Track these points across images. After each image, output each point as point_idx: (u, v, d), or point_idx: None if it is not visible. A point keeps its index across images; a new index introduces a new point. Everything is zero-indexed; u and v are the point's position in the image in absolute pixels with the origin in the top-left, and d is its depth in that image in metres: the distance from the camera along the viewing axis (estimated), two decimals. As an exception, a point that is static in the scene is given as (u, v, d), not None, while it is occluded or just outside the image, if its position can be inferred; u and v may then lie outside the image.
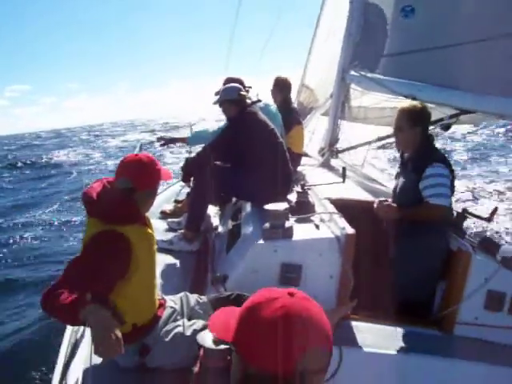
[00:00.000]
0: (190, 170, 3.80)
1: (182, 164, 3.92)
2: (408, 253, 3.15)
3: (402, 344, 2.80)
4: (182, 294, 2.72)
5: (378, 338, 2.82)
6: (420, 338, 2.91)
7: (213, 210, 4.65)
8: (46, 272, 7.88)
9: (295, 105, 5.92)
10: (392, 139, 4.84)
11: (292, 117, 4.95)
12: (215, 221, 4.52)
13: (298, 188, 3.44)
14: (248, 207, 3.72)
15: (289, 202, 3.29)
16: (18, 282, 7.49)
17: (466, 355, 2.82)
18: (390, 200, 3.23)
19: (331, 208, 3.32)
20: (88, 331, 2.56)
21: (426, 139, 3.20)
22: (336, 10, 6.15)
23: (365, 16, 4.79)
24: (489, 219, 3.46)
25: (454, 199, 3.25)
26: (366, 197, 3.85)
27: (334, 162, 5.65)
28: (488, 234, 7.90)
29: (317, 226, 3.03)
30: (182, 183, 5.00)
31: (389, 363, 2.69)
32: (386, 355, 2.68)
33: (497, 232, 8.83)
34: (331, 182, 3.87)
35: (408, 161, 3.26)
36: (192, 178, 3.86)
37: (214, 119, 4.80)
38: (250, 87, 4.08)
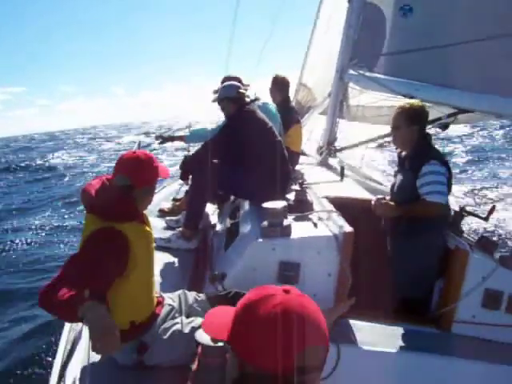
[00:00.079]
0: (188, 167, 3.81)
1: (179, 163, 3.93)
2: (405, 251, 3.16)
3: (399, 342, 2.80)
4: (180, 291, 2.72)
5: (376, 335, 2.82)
6: (418, 336, 2.91)
7: (211, 209, 4.65)
8: (37, 278, 7.74)
9: (293, 104, 5.91)
10: (390, 138, 4.85)
11: (291, 116, 4.95)
12: (213, 219, 4.53)
13: (296, 186, 3.44)
14: (246, 205, 3.72)
15: (287, 200, 3.28)
16: (10, 288, 7.39)
17: (463, 353, 2.83)
18: (387, 198, 3.24)
19: (329, 206, 3.32)
20: (86, 329, 2.57)
21: (423, 138, 3.21)
22: (334, 9, 6.14)
23: (363, 15, 4.79)
24: (486, 218, 3.47)
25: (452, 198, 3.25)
26: (364, 195, 3.85)
27: (332, 160, 5.65)
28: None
29: (315, 225, 3.03)
30: (180, 181, 5.01)
31: (386, 361, 2.69)
32: (383, 353, 2.68)
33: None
34: (329, 181, 3.87)
35: (405, 159, 3.27)
36: (190, 176, 3.86)
37: (208, 121, 4.77)
38: (249, 85, 4.08)
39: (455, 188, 10.92)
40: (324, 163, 5.50)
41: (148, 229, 2.38)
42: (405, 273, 3.18)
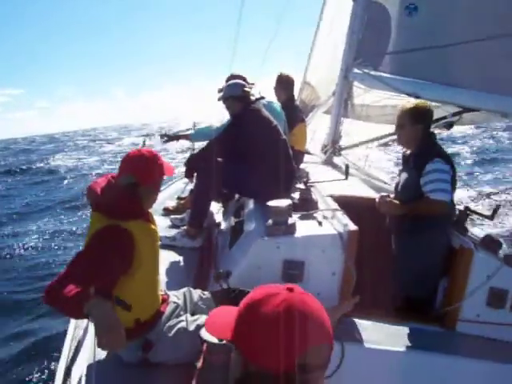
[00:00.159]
0: (193, 166, 3.81)
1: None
2: (409, 249, 3.16)
3: (404, 341, 2.81)
4: (185, 289, 2.73)
5: (380, 334, 2.82)
6: (422, 335, 2.91)
7: (216, 207, 4.66)
8: (35, 283, 7.72)
9: (297, 102, 5.91)
10: (394, 137, 4.85)
11: (296, 114, 4.94)
12: (218, 217, 4.54)
13: (301, 185, 3.45)
14: (251, 204, 3.72)
15: (292, 198, 3.29)
16: (10, 294, 7.35)
17: (468, 352, 2.83)
18: (391, 195, 3.24)
19: (334, 205, 3.32)
20: (91, 326, 2.58)
21: (427, 136, 3.21)
22: (338, 7, 6.14)
23: (368, 14, 4.78)
24: (491, 217, 3.47)
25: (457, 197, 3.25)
26: (368, 194, 3.85)
27: (336, 159, 5.65)
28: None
29: (320, 223, 3.03)
30: (185, 180, 5.02)
31: (391, 359, 2.70)
32: (387, 351, 2.69)
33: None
34: (334, 179, 3.87)
35: (410, 158, 3.27)
36: (195, 174, 3.86)
37: (214, 120, 4.76)
38: (253, 84, 4.08)
39: (464, 193, 10.89)
40: (328, 162, 5.50)
41: (153, 227, 2.39)
42: (409, 271, 3.18)
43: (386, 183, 5.03)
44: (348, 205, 3.37)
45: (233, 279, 2.81)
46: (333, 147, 5.60)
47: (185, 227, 3.98)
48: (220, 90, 4.07)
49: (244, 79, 4.17)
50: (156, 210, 3.97)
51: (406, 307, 3.20)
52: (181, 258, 3.66)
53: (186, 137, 4.66)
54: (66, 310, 1.82)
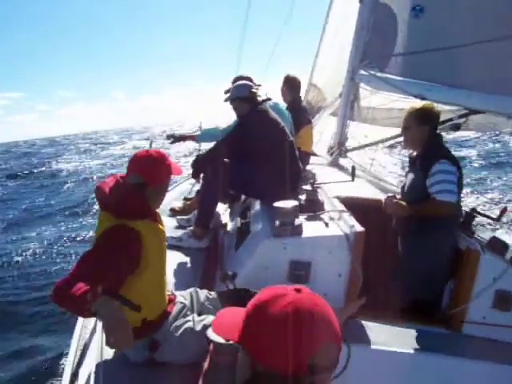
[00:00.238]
0: (200, 166, 3.81)
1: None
2: (416, 250, 3.17)
3: (410, 342, 2.81)
4: (191, 289, 2.73)
5: (387, 335, 2.82)
6: (428, 337, 2.91)
7: (222, 208, 4.67)
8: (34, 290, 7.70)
9: (304, 104, 5.91)
10: (401, 139, 4.85)
11: (302, 116, 4.94)
12: (224, 218, 4.54)
13: (307, 186, 3.45)
14: (257, 205, 3.73)
15: (298, 199, 3.29)
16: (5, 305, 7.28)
17: (473, 354, 2.83)
18: (398, 197, 3.24)
19: (340, 206, 3.33)
20: (98, 326, 2.59)
21: (434, 138, 3.21)
22: (344, 8, 6.14)
23: (374, 15, 4.79)
24: (498, 219, 3.46)
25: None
26: (375, 195, 3.85)
27: (342, 161, 5.66)
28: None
29: (326, 224, 3.03)
30: (191, 181, 5.03)
31: (397, 361, 2.70)
32: (394, 353, 2.69)
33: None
34: (341, 181, 3.87)
35: (416, 159, 3.28)
36: (201, 175, 3.87)
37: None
38: (260, 85, 4.09)
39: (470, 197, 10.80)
40: (335, 163, 5.50)
41: (161, 227, 2.39)
42: (415, 272, 3.18)
43: (392, 185, 5.02)
44: (354, 206, 3.38)
45: (239, 280, 2.81)
46: (339, 149, 5.61)
47: (191, 228, 3.99)
48: (227, 91, 4.07)
49: (250, 80, 4.18)
50: (163, 210, 3.98)
51: (412, 309, 3.20)
52: (187, 259, 3.66)
53: (192, 138, 4.66)
54: (73, 308, 1.83)
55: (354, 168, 3.81)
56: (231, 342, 1.34)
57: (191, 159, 3.97)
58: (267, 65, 5.19)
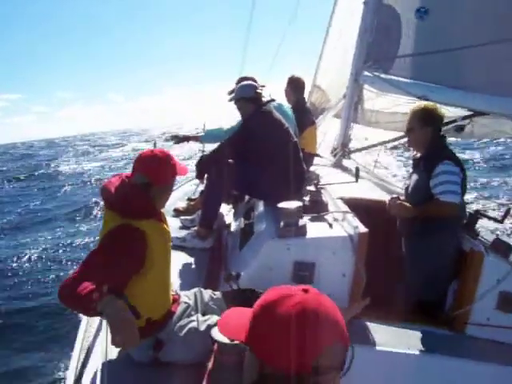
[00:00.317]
0: (204, 167, 3.82)
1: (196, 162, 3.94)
2: (419, 251, 3.17)
3: (413, 343, 2.80)
4: (195, 289, 2.73)
5: (390, 336, 2.83)
6: (432, 338, 2.91)
7: (226, 209, 4.67)
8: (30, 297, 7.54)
9: (308, 105, 5.91)
10: (404, 140, 4.85)
11: (306, 117, 4.94)
12: (228, 219, 4.55)
13: (311, 187, 3.45)
14: (261, 205, 3.73)
15: (302, 200, 3.30)
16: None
17: (477, 355, 2.82)
18: (402, 198, 3.25)
19: (344, 207, 3.33)
20: (103, 327, 2.60)
21: (437, 139, 3.22)
22: (348, 10, 6.15)
23: (379, 17, 4.79)
24: (501, 221, 3.46)
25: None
26: (378, 196, 3.86)
27: (346, 162, 5.66)
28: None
29: (330, 225, 3.04)
30: (195, 182, 5.03)
31: (400, 362, 2.69)
32: (397, 354, 2.69)
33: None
34: (345, 182, 3.88)
35: (420, 160, 3.28)
36: (206, 176, 3.88)
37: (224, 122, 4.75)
38: (264, 86, 4.09)
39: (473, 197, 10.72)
40: (338, 165, 5.50)
41: (166, 227, 2.40)
42: (419, 273, 3.19)
43: (395, 186, 5.02)
44: (358, 207, 3.38)
45: (243, 280, 2.82)
46: (342, 150, 5.61)
47: (195, 228, 3.99)
48: (231, 92, 4.08)
49: (254, 81, 4.18)
50: (166, 211, 3.99)
51: (416, 310, 3.20)
52: (191, 259, 3.66)
53: (196, 138, 4.66)
54: (79, 307, 1.84)
55: (357, 169, 3.81)
56: (235, 341, 1.34)
57: (191, 161, 3.97)
58: (271, 65, 5.20)
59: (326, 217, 3.18)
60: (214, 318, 2.41)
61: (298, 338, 0.94)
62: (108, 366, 2.20)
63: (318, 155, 5.55)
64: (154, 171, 2.28)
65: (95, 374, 2.30)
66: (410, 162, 3.57)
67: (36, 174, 25.59)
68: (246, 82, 3.89)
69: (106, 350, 2.30)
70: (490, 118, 4.62)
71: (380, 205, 3.42)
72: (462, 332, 3.05)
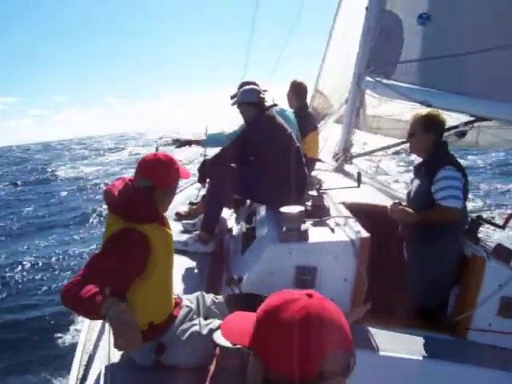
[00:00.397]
0: (206, 171, 3.82)
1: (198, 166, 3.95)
2: (421, 256, 3.17)
3: (415, 348, 2.80)
4: (198, 293, 2.73)
5: (391, 341, 2.83)
6: (433, 343, 2.91)
7: (227, 213, 4.67)
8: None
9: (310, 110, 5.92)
10: (406, 145, 4.85)
11: (309, 122, 4.95)
12: (230, 223, 4.55)
13: (313, 192, 3.46)
14: (262, 210, 3.73)
15: (304, 205, 3.30)
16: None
17: (479, 361, 2.82)
18: (403, 203, 3.25)
19: (346, 212, 3.34)
20: (105, 330, 2.60)
21: (439, 145, 3.23)
22: (351, 15, 6.16)
23: (381, 22, 4.80)
24: (503, 226, 3.46)
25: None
26: (380, 201, 3.86)
27: (347, 167, 5.66)
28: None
29: (332, 230, 3.04)
30: (197, 186, 5.04)
31: (402, 367, 2.69)
32: (399, 359, 2.69)
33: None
34: (346, 187, 3.88)
35: (421, 166, 3.29)
36: (208, 180, 3.88)
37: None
38: (266, 91, 4.10)
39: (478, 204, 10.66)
40: (340, 169, 5.51)
41: (168, 230, 2.41)
42: (421, 279, 3.19)
43: (397, 191, 5.02)
44: (360, 212, 3.39)
45: (245, 284, 2.82)
46: (344, 155, 5.61)
47: (197, 232, 3.99)
48: (233, 96, 4.08)
49: (256, 86, 4.19)
50: (168, 215, 4.00)
51: (418, 315, 3.20)
52: (193, 263, 3.67)
53: (198, 142, 4.67)
54: (81, 310, 1.84)
55: (359, 174, 3.82)
56: (238, 345, 1.34)
57: (193, 166, 3.98)
58: (274, 69, 5.21)
59: (327, 222, 3.18)
60: (216, 322, 2.42)
61: (303, 343, 0.94)
62: (111, 369, 2.20)
63: (319, 160, 5.56)
64: (158, 175, 2.28)
65: (98, 377, 2.30)
66: (412, 167, 3.57)
67: (31, 179, 25.33)
68: (249, 87, 3.88)
69: (108, 353, 2.30)
70: (496, 128, 4.62)
71: (382, 210, 3.42)
72: (464, 337, 3.05)
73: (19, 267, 9.30)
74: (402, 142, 5.26)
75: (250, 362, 1.07)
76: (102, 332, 2.77)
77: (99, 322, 2.85)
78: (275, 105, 3.99)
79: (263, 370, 1.00)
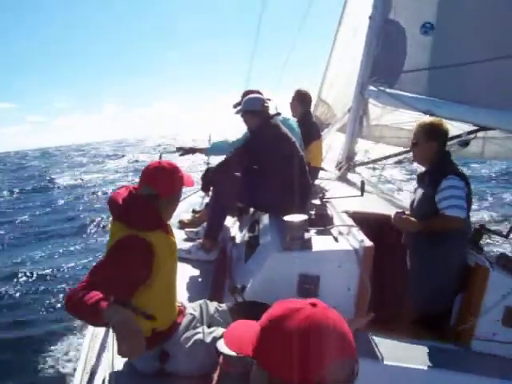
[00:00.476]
0: (210, 179, 3.84)
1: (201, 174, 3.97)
2: (425, 266, 3.16)
3: (418, 357, 2.79)
4: (201, 301, 2.74)
5: (395, 350, 2.81)
6: (437, 352, 2.90)
7: (231, 221, 4.68)
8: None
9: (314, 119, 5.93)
10: (409, 154, 4.85)
11: (313, 130, 4.96)
12: (233, 231, 4.56)
13: (316, 201, 3.46)
14: (266, 218, 3.74)
15: (308, 214, 3.31)
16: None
17: (482, 370, 2.81)
18: (407, 212, 3.25)
19: (349, 221, 3.34)
20: (109, 337, 2.60)
21: (442, 154, 3.23)
22: (354, 24, 6.19)
23: (384, 32, 4.82)
24: (507, 236, 3.46)
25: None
26: (384, 210, 3.86)
27: (351, 176, 5.67)
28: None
29: (335, 239, 3.04)
30: (201, 194, 5.05)
31: (405, 376, 2.68)
32: (402, 368, 2.67)
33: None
34: (350, 196, 3.89)
35: (425, 175, 3.29)
36: (211, 188, 3.89)
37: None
38: (269, 99, 4.11)
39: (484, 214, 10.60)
40: (343, 178, 5.51)
41: (172, 238, 2.42)
42: (424, 288, 3.18)
43: (401, 200, 5.02)
44: (363, 221, 3.39)
45: (248, 292, 2.83)
46: (347, 164, 5.62)
47: (200, 240, 4.00)
48: (236, 105, 4.09)
49: (260, 94, 4.20)
50: (172, 223, 4.01)
51: (421, 324, 3.19)
52: (196, 271, 3.68)
53: (201, 150, 4.68)
54: (85, 317, 1.85)
55: (363, 183, 3.82)
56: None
57: (196, 174, 3.99)
58: (280, 77, 5.23)
59: (331, 230, 3.18)
60: (219, 331, 2.42)
61: (307, 353, 0.94)
62: (115, 376, 2.20)
63: (322, 169, 5.57)
64: (162, 183, 2.29)
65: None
66: (415, 175, 3.57)
67: (29, 187, 24.82)
68: (253, 95, 3.89)
69: (112, 360, 2.30)
70: (502, 139, 4.63)
71: (385, 219, 3.42)
72: (467, 347, 3.04)
73: (14, 279, 8.98)
74: (405, 151, 5.27)
75: (253, 369, 1.07)
76: (105, 339, 2.77)
77: (102, 330, 2.86)
78: (279, 113, 4.00)
79: (267, 379, 0.99)
